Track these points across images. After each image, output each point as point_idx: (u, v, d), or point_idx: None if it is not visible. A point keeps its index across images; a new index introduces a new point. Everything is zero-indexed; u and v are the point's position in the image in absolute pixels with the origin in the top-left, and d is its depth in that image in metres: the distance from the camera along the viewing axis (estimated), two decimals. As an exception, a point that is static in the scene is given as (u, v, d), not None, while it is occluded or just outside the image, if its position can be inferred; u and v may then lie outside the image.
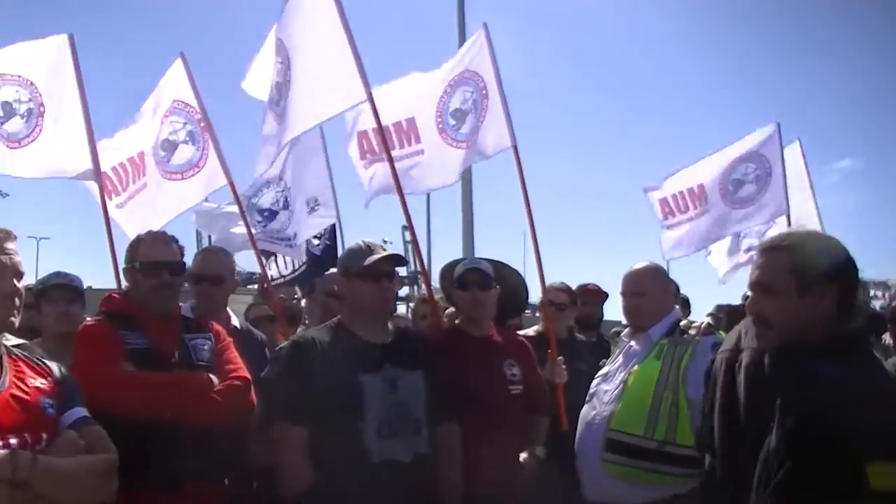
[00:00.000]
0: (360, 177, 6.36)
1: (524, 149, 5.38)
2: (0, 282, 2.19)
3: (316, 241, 8.08)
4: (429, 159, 5.95)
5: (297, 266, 8.14)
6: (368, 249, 3.29)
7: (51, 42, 5.68)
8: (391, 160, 5.14)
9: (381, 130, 5.20)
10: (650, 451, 3.34)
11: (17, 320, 2.26)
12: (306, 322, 5.91)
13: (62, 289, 3.85)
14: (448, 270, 4.34)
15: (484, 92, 5.57)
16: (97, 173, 5.48)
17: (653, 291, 3.75)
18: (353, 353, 3.19)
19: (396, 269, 3.46)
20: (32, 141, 5.59)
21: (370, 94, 4.98)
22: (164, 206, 6.09)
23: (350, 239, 7.26)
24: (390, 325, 3.46)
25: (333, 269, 4.36)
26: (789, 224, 6.96)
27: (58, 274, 3.98)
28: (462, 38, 15.93)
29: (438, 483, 3.28)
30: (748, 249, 8.34)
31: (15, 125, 5.60)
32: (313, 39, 5.26)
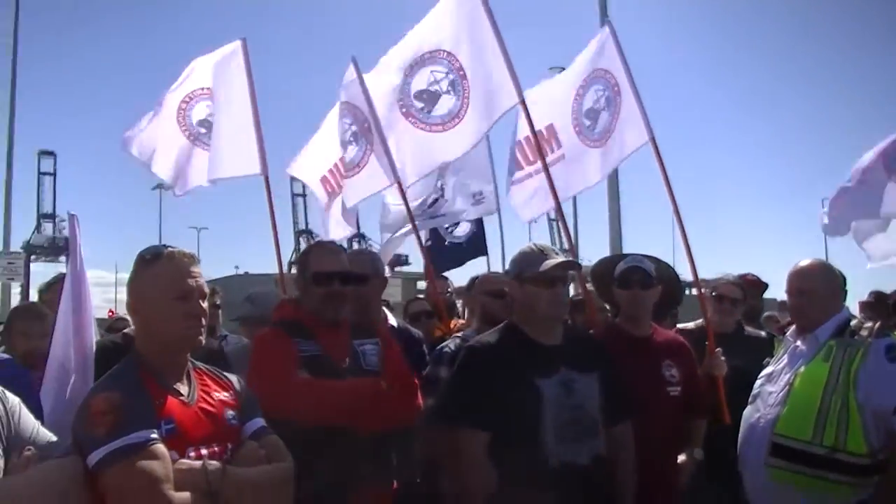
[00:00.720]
0: (511, 198, 6.50)
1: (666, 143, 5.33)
2: (188, 303, 2.34)
3: (460, 232, 8.13)
4: (570, 162, 5.99)
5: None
6: (542, 254, 3.25)
7: (227, 49, 6.19)
8: (546, 166, 5.27)
9: (534, 134, 5.33)
10: (818, 458, 3.21)
11: (203, 339, 2.42)
12: (459, 316, 6.07)
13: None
14: (601, 267, 4.33)
15: (616, 89, 5.55)
16: (264, 167, 5.86)
17: (820, 291, 3.57)
18: (528, 357, 3.18)
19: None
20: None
21: (523, 99, 5.12)
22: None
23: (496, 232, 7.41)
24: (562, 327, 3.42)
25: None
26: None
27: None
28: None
29: (615, 484, 3.28)
30: None
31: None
32: (475, 48, 5.47)
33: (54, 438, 2.22)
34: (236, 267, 56.73)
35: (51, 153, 54.92)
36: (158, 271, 2.34)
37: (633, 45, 5.68)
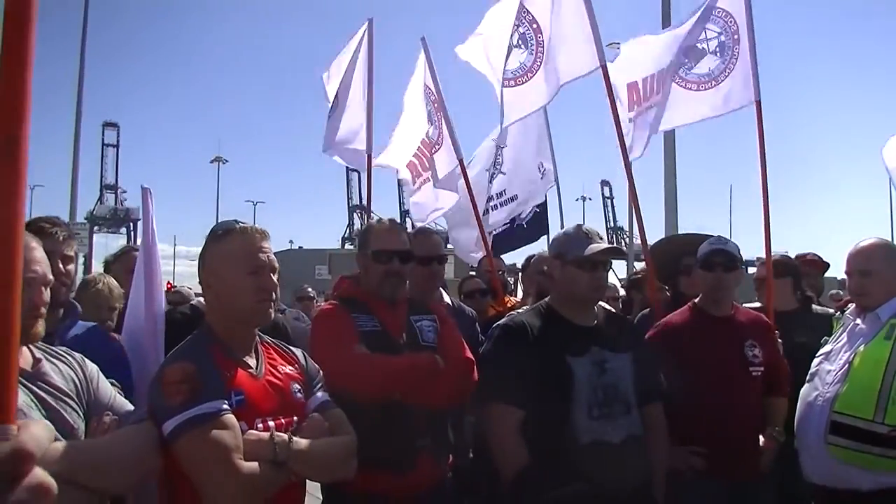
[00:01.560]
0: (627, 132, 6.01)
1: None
2: (260, 278, 2.41)
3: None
4: (661, 106, 5.60)
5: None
6: (587, 237, 3.29)
7: (359, 34, 6.54)
8: (618, 122, 5.09)
9: (611, 95, 5.13)
10: (881, 436, 3.17)
11: (273, 313, 2.50)
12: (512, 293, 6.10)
13: None
14: (662, 247, 4.32)
15: (735, 37, 5.17)
16: (370, 145, 6.35)
17: (882, 270, 3.51)
18: (561, 336, 3.23)
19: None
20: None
21: (604, 64, 5.00)
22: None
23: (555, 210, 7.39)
24: (596, 309, 3.47)
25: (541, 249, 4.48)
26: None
27: None
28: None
29: (650, 462, 3.31)
30: None
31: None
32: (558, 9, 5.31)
33: (130, 407, 2.31)
34: (290, 241, 57.67)
35: (114, 125, 56.17)
36: (231, 246, 2.42)
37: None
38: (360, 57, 6.44)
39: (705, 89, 5.32)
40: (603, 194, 59.48)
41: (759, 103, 4.98)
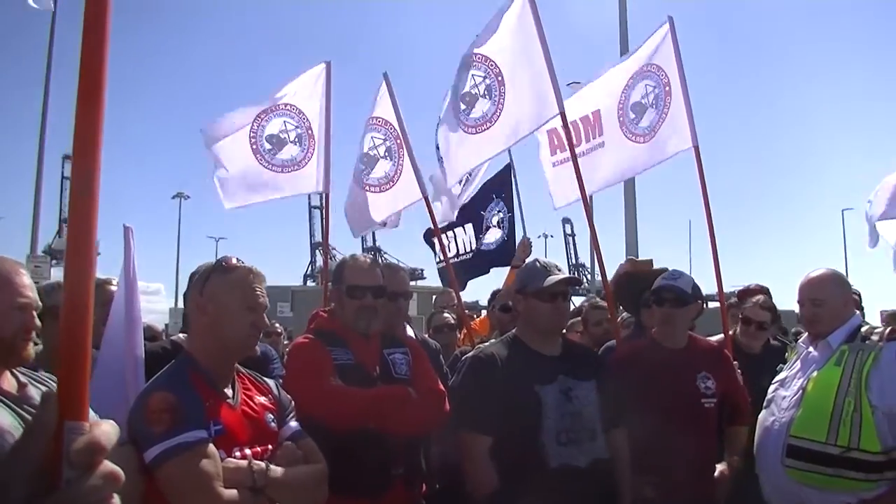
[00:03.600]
0: (547, 182, 6.44)
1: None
2: (256, 314, 2.58)
3: (490, 239, 8.18)
4: (608, 152, 5.90)
5: (468, 249, 8.25)
6: (545, 270, 3.49)
7: (315, 71, 6.56)
8: (574, 158, 5.16)
9: (567, 129, 5.21)
10: (833, 457, 3.31)
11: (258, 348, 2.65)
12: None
13: None
14: (622, 280, 4.48)
15: (667, 88, 5.46)
16: (327, 185, 6.38)
17: (832, 299, 3.69)
18: (529, 365, 3.40)
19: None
20: (308, 161, 6.49)
21: (563, 110, 5.09)
22: (372, 213, 6.55)
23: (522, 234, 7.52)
24: (561, 338, 3.63)
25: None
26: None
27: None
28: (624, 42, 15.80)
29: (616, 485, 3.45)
30: None
31: (288, 152, 6.49)
32: (518, 56, 5.43)
33: None
34: (252, 279, 56.92)
35: (75, 157, 55.21)
36: (237, 280, 2.58)
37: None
38: (317, 97, 6.50)
39: (648, 141, 5.62)
40: (564, 232, 60.07)
41: (697, 148, 5.23)
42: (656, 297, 3.98)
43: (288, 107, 6.50)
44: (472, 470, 3.31)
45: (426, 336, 5.09)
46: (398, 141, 6.27)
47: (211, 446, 2.28)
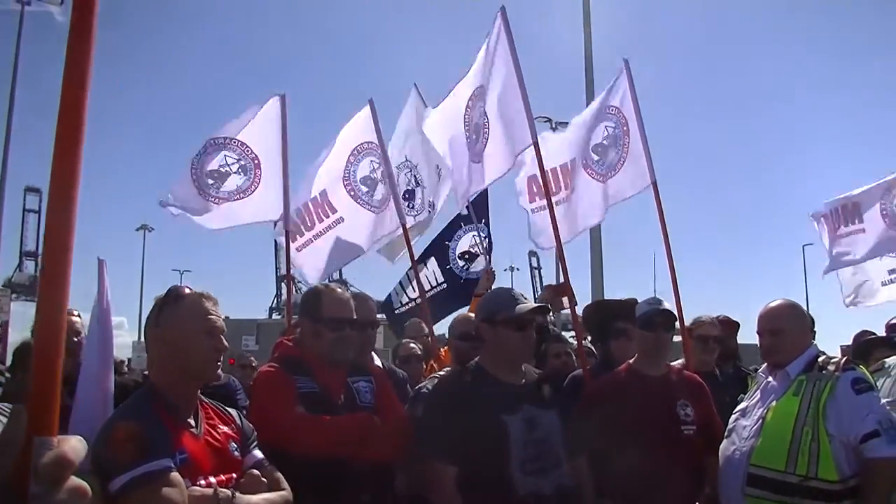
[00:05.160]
0: (532, 224, 6.59)
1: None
2: (214, 338, 2.61)
3: (461, 263, 8.27)
4: (580, 197, 6.09)
5: (439, 282, 8.30)
6: (514, 299, 3.47)
7: (271, 105, 6.61)
8: (551, 206, 5.31)
9: (543, 174, 5.35)
10: (793, 486, 3.37)
11: (221, 374, 2.66)
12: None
13: None
14: (593, 312, 4.54)
15: (625, 129, 5.66)
16: (287, 218, 6.38)
17: (790, 329, 3.77)
18: (493, 395, 3.37)
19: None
20: (255, 189, 6.51)
21: (536, 140, 5.21)
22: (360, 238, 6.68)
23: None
24: (523, 367, 3.62)
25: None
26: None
27: None
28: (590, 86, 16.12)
29: None
30: (893, 271, 7.56)
31: (233, 182, 6.49)
32: (497, 90, 5.56)
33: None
34: (217, 311, 56.44)
35: (37, 190, 53.86)
36: (189, 306, 2.60)
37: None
38: (271, 130, 6.54)
39: (611, 178, 5.84)
40: (531, 264, 60.42)
41: (655, 184, 5.44)
42: (646, 322, 3.97)
43: (228, 140, 6.52)
44: (439, 500, 3.29)
45: (393, 366, 5.09)
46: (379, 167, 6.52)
47: (176, 475, 2.28)
